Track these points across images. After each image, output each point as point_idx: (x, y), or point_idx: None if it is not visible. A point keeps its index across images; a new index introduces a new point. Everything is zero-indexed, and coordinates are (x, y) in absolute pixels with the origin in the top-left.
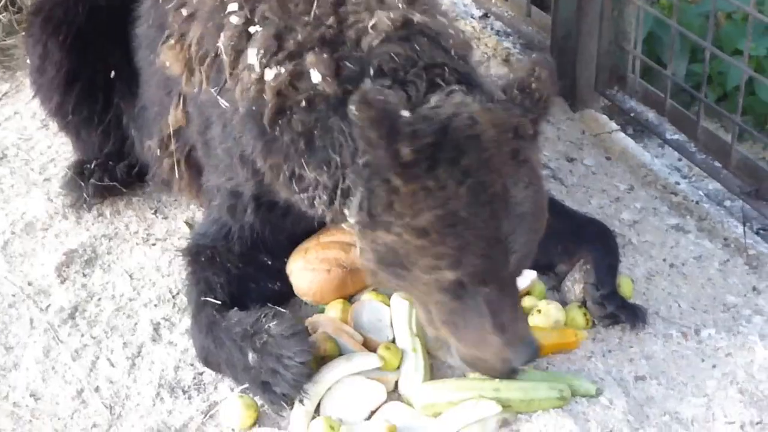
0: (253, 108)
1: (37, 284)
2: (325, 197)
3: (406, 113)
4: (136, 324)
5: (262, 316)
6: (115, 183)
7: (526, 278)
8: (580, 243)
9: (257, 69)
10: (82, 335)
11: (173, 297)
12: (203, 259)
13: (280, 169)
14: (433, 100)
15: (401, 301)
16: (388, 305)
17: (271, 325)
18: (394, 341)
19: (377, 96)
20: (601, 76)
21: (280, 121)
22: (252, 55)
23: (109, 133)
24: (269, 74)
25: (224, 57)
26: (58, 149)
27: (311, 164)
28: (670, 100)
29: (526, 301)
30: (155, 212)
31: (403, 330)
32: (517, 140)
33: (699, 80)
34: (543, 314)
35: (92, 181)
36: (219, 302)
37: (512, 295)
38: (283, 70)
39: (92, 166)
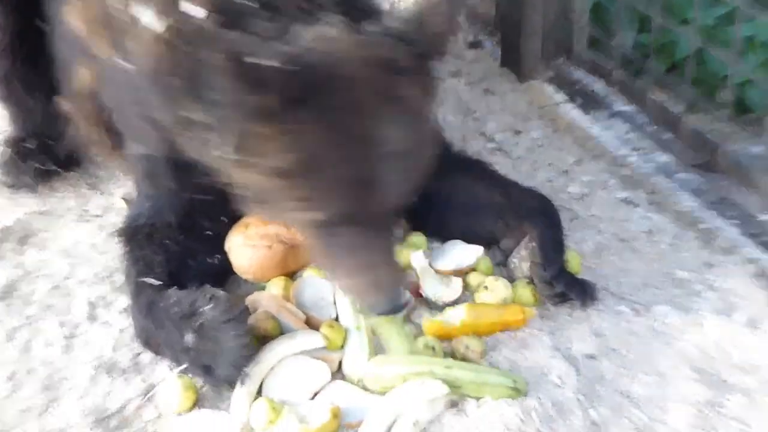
0: (153, 65)
1: None
2: (208, 139)
3: (259, 56)
4: (71, 303)
5: (200, 297)
6: (56, 168)
7: (472, 254)
8: (521, 217)
9: (152, 26)
10: (17, 315)
11: (110, 275)
12: (140, 237)
13: (177, 119)
14: (298, 33)
15: None
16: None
17: (206, 308)
18: (337, 319)
19: (227, 38)
20: (547, 46)
21: (174, 70)
22: (144, 13)
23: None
24: (160, 26)
25: (120, 17)
26: None
27: (197, 106)
28: (618, 70)
29: (473, 278)
30: (92, 187)
31: (347, 307)
32: (390, 76)
33: (647, 51)
34: (490, 291)
35: (32, 163)
36: (158, 282)
37: (384, 237)
38: (171, 20)
39: (32, 146)
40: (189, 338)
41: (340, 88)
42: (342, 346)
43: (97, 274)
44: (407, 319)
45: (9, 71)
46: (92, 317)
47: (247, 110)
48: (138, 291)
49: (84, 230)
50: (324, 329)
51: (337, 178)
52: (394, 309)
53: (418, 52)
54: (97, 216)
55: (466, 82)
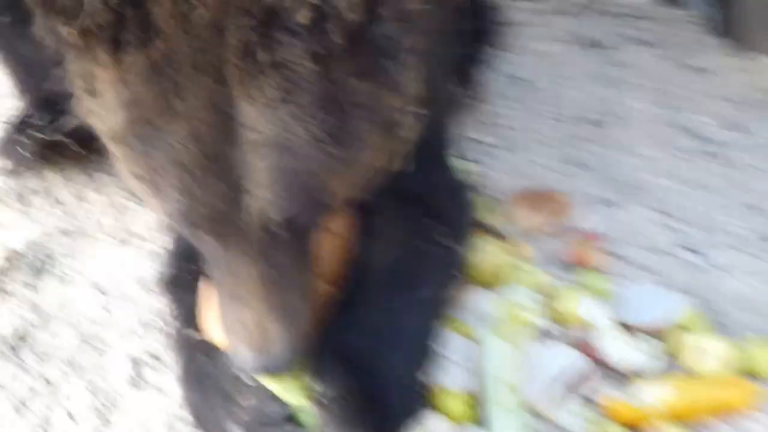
0: None
1: None
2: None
3: None
4: (107, 361)
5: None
6: (66, 139)
7: (678, 303)
8: None
9: None
10: (31, 377)
11: (163, 323)
12: (187, 278)
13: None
14: None
15: (493, 336)
16: (471, 338)
17: (250, 402)
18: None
19: None
20: None
21: None
22: None
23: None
24: None
25: None
26: None
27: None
28: None
29: (680, 338)
30: (134, 197)
31: (496, 378)
32: (268, 32)
33: None
34: (705, 356)
35: (31, 133)
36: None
37: (263, 267)
38: None
39: (39, 122)
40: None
41: (179, 37)
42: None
43: (142, 320)
44: (582, 395)
45: (10, 25)
46: (136, 381)
47: (65, 43)
48: (187, 354)
49: (124, 257)
50: (449, 401)
51: (173, 157)
52: (265, 370)
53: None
54: (143, 238)
55: (657, 54)
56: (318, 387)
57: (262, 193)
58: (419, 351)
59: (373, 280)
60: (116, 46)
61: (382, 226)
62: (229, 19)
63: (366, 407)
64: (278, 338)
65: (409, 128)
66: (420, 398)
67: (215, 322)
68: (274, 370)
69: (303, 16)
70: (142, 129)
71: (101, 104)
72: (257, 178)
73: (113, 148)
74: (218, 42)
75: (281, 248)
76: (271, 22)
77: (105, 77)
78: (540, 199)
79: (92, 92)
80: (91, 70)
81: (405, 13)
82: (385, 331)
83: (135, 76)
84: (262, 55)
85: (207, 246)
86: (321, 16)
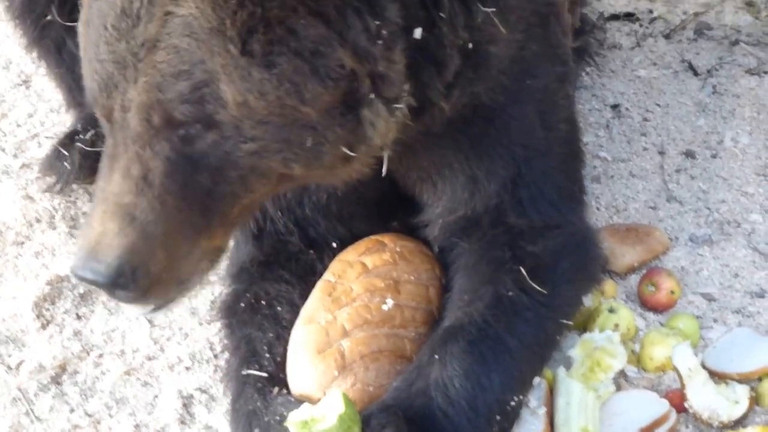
0: None
1: (5, 329)
2: None
3: None
4: (156, 396)
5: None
6: None
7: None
8: None
9: None
10: (71, 410)
11: (215, 356)
12: (243, 305)
13: None
14: None
15: (573, 381)
16: (548, 381)
17: None
18: None
19: None
20: None
21: None
22: None
23: None
24: None
25: None
26: (44, 119)
27: None
28: None
29: (767, 386)
30: None
31: (570, 424)
32: None
33: None
34: None
35: (79, 145)
36: (265, 375)
37: (131, 161)
38: None
39: (88, 135)
40: None
41: None
42: None
43: (194, 354)
44: None
45: (61, 36)
46: (185, 419)
47: None
48: (239, 391)
49: None
50: None
51: (101, 12)
52: (84, 273)
53: None
54: None
55: (764, 83)
56: None
57: (154, 71)
58: (497, 410)
59: (454, 329)
60: None
61: (473, 267)
62: None
63: None
64: (111, 244)
65: (385, 122)
66: None
67: (296, 366)
68: (93, 279)
69: None
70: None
71: None
72: (156, 53)
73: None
74: None
75: (158, 151)
76: None
77: None
78: (635, 234)
79: None
80: None
81: None
82: (460, 386)
83: None
84: None
85: (105, 129)
86: None
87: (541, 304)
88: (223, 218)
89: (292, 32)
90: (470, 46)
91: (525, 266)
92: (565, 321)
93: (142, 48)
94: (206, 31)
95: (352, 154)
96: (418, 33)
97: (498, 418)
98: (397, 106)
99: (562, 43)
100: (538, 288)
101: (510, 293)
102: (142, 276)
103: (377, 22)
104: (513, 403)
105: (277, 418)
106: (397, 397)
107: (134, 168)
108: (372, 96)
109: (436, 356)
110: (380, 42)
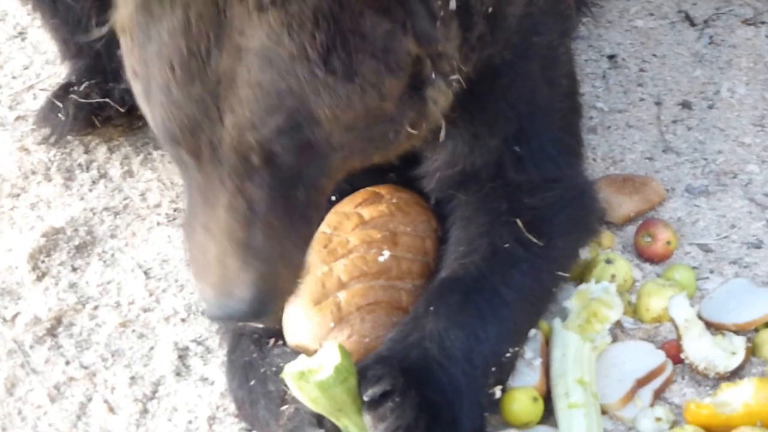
0: None
1: (1, 282)
2: None
3: None
4: (151, 348)
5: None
6: (107, 100)
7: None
8: None
9: None
10: (67, 363)
11: None
12: None
13: None
14: None
15: (569, 333)
16: (544, 332)
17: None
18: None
19: None
20: None
21: None
22: None
23: None
24: None
25: None
26: (39, 71)
27: None
28: None
29: (764, 336)
30: None
31: (567, 374)
32: None
33: None
34: None
35: (73, 97)
36: (260, 326)
37: (233, 196)
38: None
39: (83, 87)
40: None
41: None
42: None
43: (190, 307)
44: (658, 394)
45: None
46: (181, 371)
47: None
48: (235, 343)
49: (172, 237)
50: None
51: (163, 55)
52: (224, 317)
53: None
54: None
55: (761, 33)
56: (370, 394)
57: (241, 109)
58: (482, 356)
59: (450, 280)
60: None
61: (469, 219)
62: None
63: (422, 412)
64: (240, 280)
65: (443, 95)
66: (486, 413)
67: (292, 318)
68: (234, 316)
69: None
70: (142, 16)
71: None
72: (238, 90)
73: (122, 42)
74: None
75: (259, 187)
76: None
77: None
78: (631, 184)
79: None
80: None
81: None
82: (455, 337)
83: None
84: None
85: (186, 170)
86: None
87: (537, 256)
88: (316, 215)
89: (364, 37)
90: (490, 10)
91: (522, 218)
92: (561, 273)
93: (219, 86)
94: (287, 60)
95: (415, 132)
96: (453, 4)
97: (494, 369)
98: (453, 78)
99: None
100: (535, 240)
101: (506, 245)
102: (276, 296)
103: (439, 2)
104: (509, 355)
105: (274, 369)
106: (392, 348)
107: (238, 202)
108: (433, 75)
109: (432, 308)
110: (438, 22)
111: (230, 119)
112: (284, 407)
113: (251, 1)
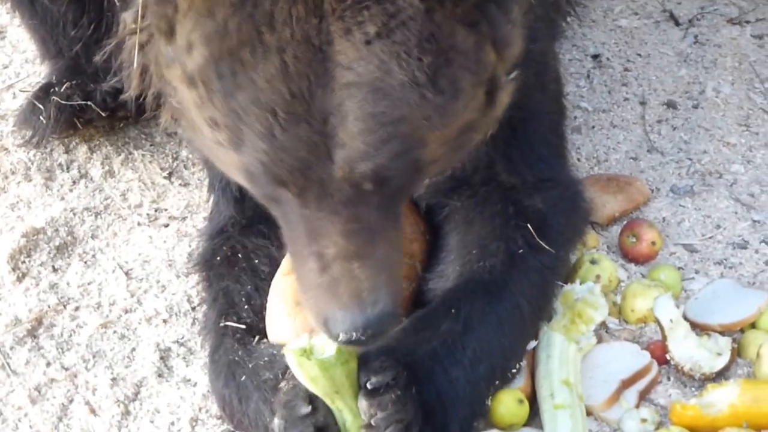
0: None
1: None
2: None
3: None
4: (133, 349)
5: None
6: (89, 103)
7: (752, 302)
8: None
9: None
10: (48, 364)
11: (193, 309)
12: (219, 259)
13: None
14: None
15: (554, 333)
16: None
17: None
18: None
19: None
20: None
21: None
22: None
23: (100, 27)
24: None
25: None
26: (19, 70)
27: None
28: None
29: (752, 339)
30: (169, 175)
31: (551, 376)
32: None
33: None
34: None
35: (55, 99)
36: (243, 326)
37: (348, 222)
38: None
39: (64, 90)
40: (277, 423)
41: None
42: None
43: (172, 307)
44: (643, 395)
45: None
46: (163, 372)
47: None
48: (217, 343)
49: (153, 238)
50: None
51: (257, 100)
52: (369, 331)
53: None
54: (174, 217)
55: (745, 32)
56: (374, 382)
57: (353, 142)
58: (489, 369)
59: (452, 287)
60: None
61: (470, 223)
62: None
63: (416, 416)
64: (376, 293)
65: (507, 93)
66: (477, 419)
67: (275, 316)
68: (377, 328)
69: None
70: (227, 65)
71: (178, 45)
72: (349, 124)
73: (187, 94)
74: None
75: (370, 207)
76: None
77: (187, 8)
78: (615, 184)
79: (168, 33)
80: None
81: None
82: (453, 342)
83: (223, 5)
84: None
85: (284, 206)
86: None
87: (544, 266)
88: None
89: (460, 53)
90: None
91: (532, 223)
92: (560, 282)
93: (327, 125)
94: (398, 89)
95: (486, 135)
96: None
97: (497, 382)
98: (512, 77)
99: (558, 3)
100: (547, 248)
101: (521, 251)
102: (401, 299)
103: (514, 8)
104: (514, 370)
105: (266, 359)
106: (401, 340)
107: (354, 227)
108: (503, 78)
109: (453, 310)
110: (511, 26)
111: (341, 153)
112: (282, 384)
113: (357, 35)
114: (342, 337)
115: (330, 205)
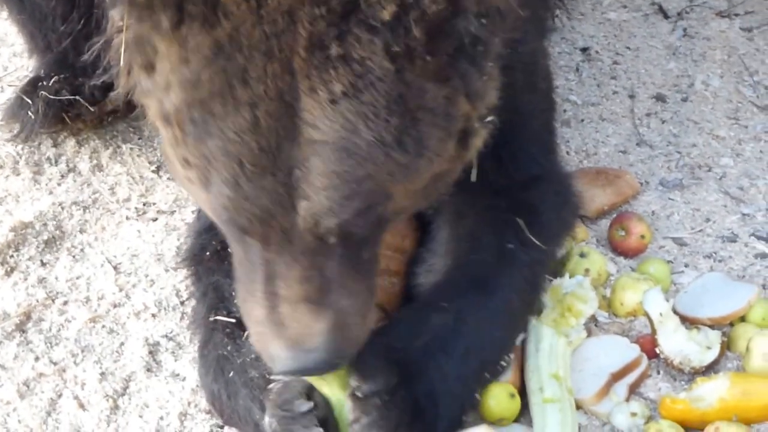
0: None
1: None
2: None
3: None
4: (122, 344)
5: None
6: (77, 97)
7: (741, 295)
8: None
9: None
10: (36, 358)
11: (181, 303)
12: (209, 254)
13: None
14: None
15: (543, 327)
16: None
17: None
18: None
19: None
20: None
21: None
22: None
23: (90, 22)
24: None
25: None
26: (6, 63)
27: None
28: None
29: (742, 332)
30: (158, 169)
31: (540, 370)
32: (340, 25)
33: None
34: (762, 353)
35: (43, 93)
36: (233, 320)
37: (306, 270)
38: None
39: (51, 83)
40: (267, 421)
41: (244, 15)
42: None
43: (161, 301)
44: (633, 389)
45: None
46: (152, 367)
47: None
48: (207, 337)
49: (142, 232)
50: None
51: (225, 147)
52: (308, 369)
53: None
54: (162, 211)
55: (734, 25)
56: (357, 382)
57: (318, 197)
58: (480, 363)
59: (443, 281)
60: (180, 15)
61: (459, 221)
62: (305, 8)
63: (405, 412)
64: (317, 340)
65: (480, 138)
66: (467, 413)
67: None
68: (311, 369)
69: (386, 12)
70: (200, 113)
71: (156, 82)
72: (314, 180)
73: (163, 130)
74: (290, 30)
75: (330, 256)
76: (350, 15)
77: (165, 52)
78: (604, 177)
79: (148, 67)
80: (150, 40)
81: (491, 7)
82: (444, 336)
83: (198, 55)
84: (335, 49)
85: (247, 245)
86: (403, 9)
87: (534, 260)
88: (376, 265)
89: (428, 110)
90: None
91: (523, 217)
92: (550, 276)
93: (291, 177)
94: (364, 148)
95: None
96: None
97: (487, 376)
98: (488, 120)
99: (547, 3)
100: (538, 243)
101: (511, 245)
102: (351, 344)
103: (486, 60)
104: (504, 363)
105: (253, 356)
106: (394, 334)
107: (311, 274)
108: (476, 125)
109: (444, 304)
110: (485, 77)
111: (305, 206)
112: (271, 385)
113: (323, 94)
114: (282, 374)
115: (291, 253)
